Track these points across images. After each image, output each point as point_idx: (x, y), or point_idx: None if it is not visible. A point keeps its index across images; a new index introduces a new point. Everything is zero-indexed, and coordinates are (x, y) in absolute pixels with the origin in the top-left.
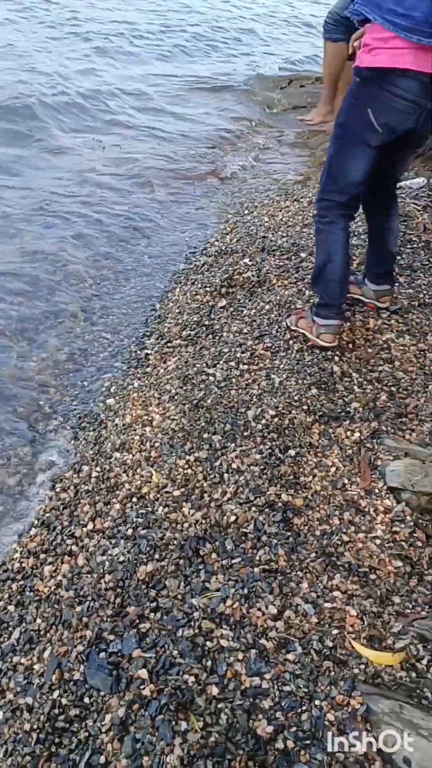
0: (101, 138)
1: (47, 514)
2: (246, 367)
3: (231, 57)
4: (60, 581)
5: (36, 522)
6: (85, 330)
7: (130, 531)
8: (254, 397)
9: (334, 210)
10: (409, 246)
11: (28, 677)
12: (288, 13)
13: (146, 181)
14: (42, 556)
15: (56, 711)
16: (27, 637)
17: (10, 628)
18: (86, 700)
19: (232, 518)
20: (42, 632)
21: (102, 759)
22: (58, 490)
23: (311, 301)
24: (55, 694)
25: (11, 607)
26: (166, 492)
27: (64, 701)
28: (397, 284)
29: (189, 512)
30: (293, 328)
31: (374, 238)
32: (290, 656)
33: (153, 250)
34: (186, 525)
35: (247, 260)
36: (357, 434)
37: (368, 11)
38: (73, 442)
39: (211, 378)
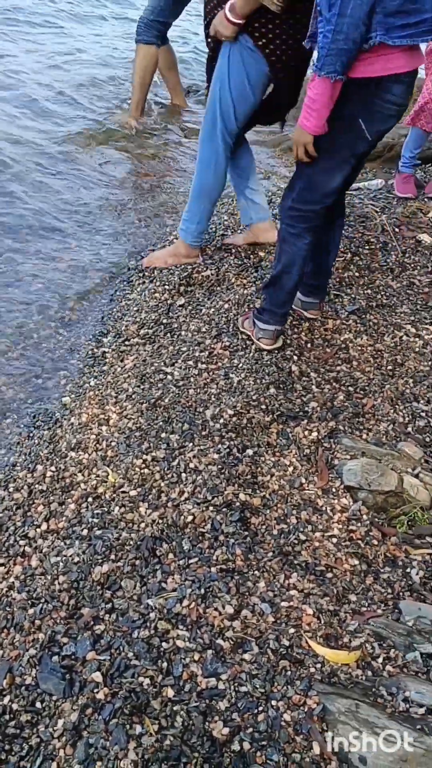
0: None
1: None
2: (204, 366)
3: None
4: (12, 583)
5: None
6: (39, 326)
7: (85, 531)
8: (212, 396)
9: (307, 222)
10: (367, 247)
11: None
12: None
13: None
14: None
15: (6, 717)
16: None
17: None
18: (38, 705)
19: (190, 518)
20: None
21: (54, 765)
22: (11, 490)
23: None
24: (6, 699)
25: None
26: (123, 492)
27: (14, 706)
28: (327, 299)
29: (146, 512)
30: (241, 329)
31: (315, 249)
32: (247, 656)
33: (110, 246)
34: (142, 525)
35: (200, 259)
36: (315, 434)
37: (386, 38)
38: (27, 441)
39: (169, 377)
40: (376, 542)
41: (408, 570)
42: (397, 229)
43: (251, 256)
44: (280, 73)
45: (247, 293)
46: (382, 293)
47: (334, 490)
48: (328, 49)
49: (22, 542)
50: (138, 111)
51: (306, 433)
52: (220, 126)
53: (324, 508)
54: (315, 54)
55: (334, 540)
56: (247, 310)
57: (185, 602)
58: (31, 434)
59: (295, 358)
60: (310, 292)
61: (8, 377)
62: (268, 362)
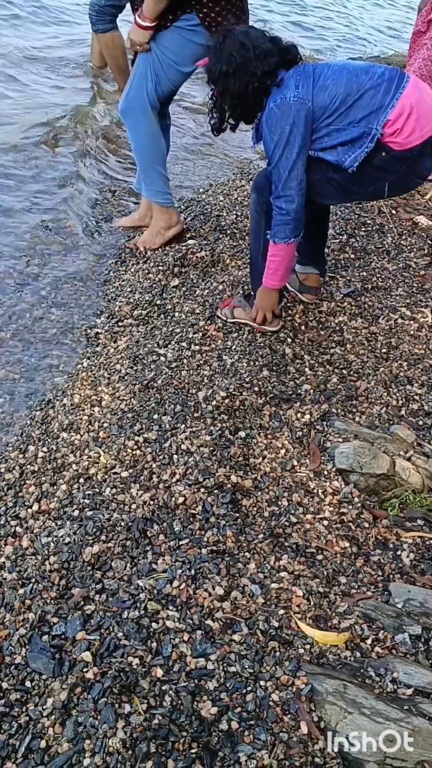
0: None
1: None
2: (198, 347)
3: None
4: (2, 563)
5: None
6: (33, 306)
7: (76, 512)
8: (205, 378)
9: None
10: (363, 229)
11: None
12: None
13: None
14: None
15: None
16: None
17: None
18: (28, 684)
19: (181, 499)
20: None
21: (43, 743)
22: (2, 470)
23: (242, 290)
24: None
25: None
26: (114, 473)
27: (4, 685)
28: (325, 281)
29: (137, 493)
30: (231, 320)
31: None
32: (236, 637)
33: (105, 226)
34: (134, 506)
35: (194, 241)
36: (307, 416)
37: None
38: (19, 422)
39: (162, 358)
40: (367, 525)
41: (398, 552)
42: (393, 211)
43: (246, 237)
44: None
45: (242, 275)
46: (378, 275)
47: (326, 472)
48: (278, 221)
49: (13, 522)
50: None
51: (299, 415)
52: (146, 92)
53: (315, 491)
54: None
55: (325, 522)
56: (226, 298)
57: (175, 583)
58: (23, 415)
59: (289, 340)
60: (308, 260)
61: (1, 357)
62: (262, 344)
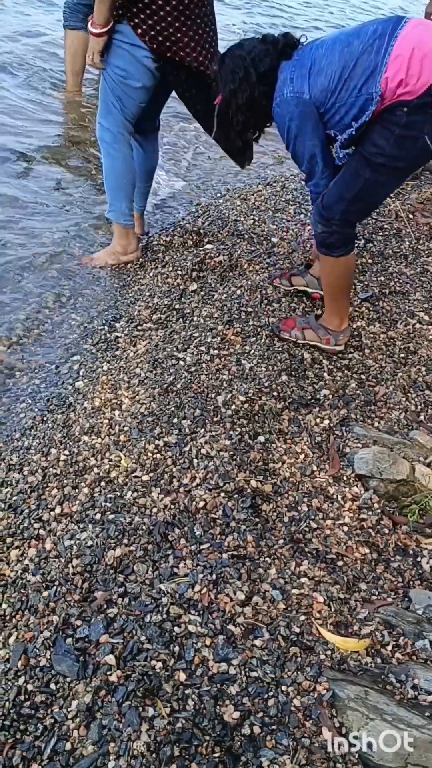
0: None
1: (14, 498)
2: (216, 352)
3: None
4: (26, 566)
5: (2, 505)
6: (54, 311)
7: (98, 515)
8: (224, 382)
9: (354, 224)
10: (380, 233)
11: None
12: None
13: None
14: (8, 539)
15: (21, 697)
16: None
17: None
18: (52, 686)
19: (201, 504)
20: (7, 617)
21: (68, 745)
22: (25, 473)
23: (312, 312)
24: (21, 680)
25: None
26: (135, 476)
27: (29, 687)
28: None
29: (158, 497)
30: (302, 342)
31: None
32: (258, 642)
33: None
34: (155, 510)
35: (212, 245)
36: (326, 421)
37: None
38: (41, 424)
39: (182, 362)
40: (387, 531)
41: (418, 559)
42: (411, 216)
43: (264, 242)
44: (168, 66)
45: (259, 279)
46: (396, 280)
47: (345, 478)
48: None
49: (36, 525)
50: (77, 89)
51: (317, 420)
52: (113, 117)
53: (335, 496)
54: None
55: (345, 528)
56: (285, 319)
57: (197, 587)
58: (45, 418)
59: (308, 345)
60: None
61: (23, 362)
62: (280, 349)
